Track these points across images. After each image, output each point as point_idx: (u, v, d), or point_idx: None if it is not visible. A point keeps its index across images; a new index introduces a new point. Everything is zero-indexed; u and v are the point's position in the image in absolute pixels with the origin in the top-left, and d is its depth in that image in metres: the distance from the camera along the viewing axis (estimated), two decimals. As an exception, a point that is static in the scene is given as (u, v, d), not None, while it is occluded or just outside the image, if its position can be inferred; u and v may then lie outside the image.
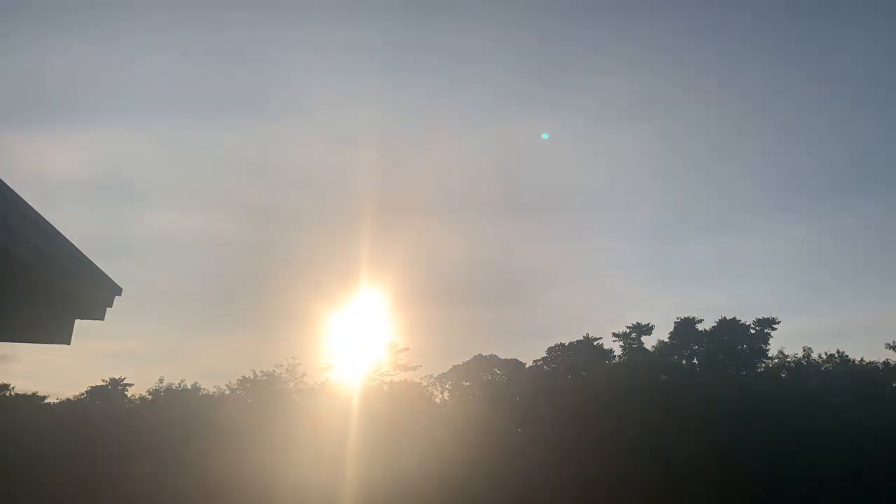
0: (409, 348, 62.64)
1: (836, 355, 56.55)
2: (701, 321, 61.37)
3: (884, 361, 56.07)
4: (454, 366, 63.00)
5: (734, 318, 60.50)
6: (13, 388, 57.42)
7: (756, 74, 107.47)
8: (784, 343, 70.26)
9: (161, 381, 59.04)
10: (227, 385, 60.75)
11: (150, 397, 58.77)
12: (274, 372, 59.62)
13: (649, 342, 63.24)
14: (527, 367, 62.11)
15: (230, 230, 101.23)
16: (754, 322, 60.18)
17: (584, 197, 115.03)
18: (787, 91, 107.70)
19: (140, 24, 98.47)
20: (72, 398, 59.68)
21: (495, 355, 62.97)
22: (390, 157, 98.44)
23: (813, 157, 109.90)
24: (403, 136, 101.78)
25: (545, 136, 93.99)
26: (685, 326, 61.33)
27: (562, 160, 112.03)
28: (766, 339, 60.06)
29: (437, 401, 61.59)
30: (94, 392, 60.39)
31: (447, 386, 63.28)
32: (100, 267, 6.19)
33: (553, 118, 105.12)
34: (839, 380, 51.54)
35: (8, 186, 5.22)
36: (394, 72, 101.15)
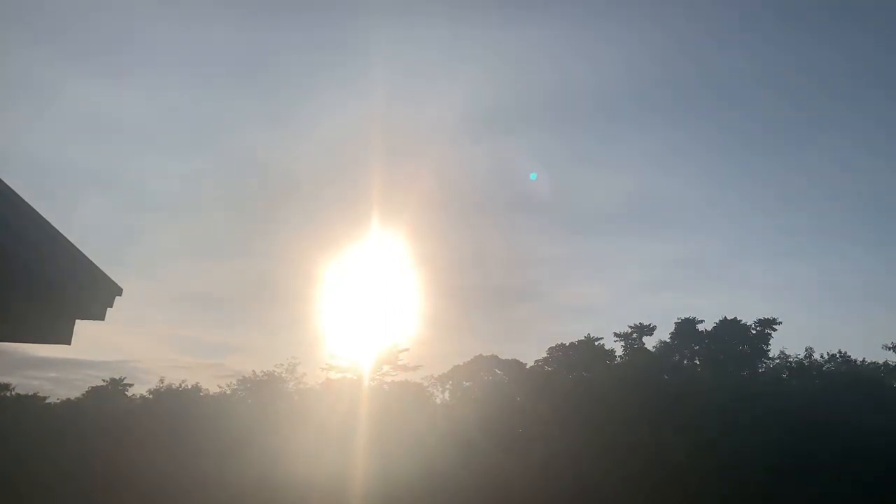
0: (409, 349, 62.66)
1: (838, 356, 56.52)
2: (702, 321, 61.38)
3: (884, 362, 56.14)
4: (455, 366, 63.02)
5: (735, 319, 60.45)
6: (14, 388, 57.51)
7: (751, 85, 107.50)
8: (785, 343, 70.42)
9: (161, 381, 59.10)
10: (227, 385, 60.86)
11: (150, 397, 58.77)
12: (274, 372, 59.71)
13: (650, 342, 63.32)
14: (527, 367, 62.07)
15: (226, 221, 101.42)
16: (755, 322, 60.15)
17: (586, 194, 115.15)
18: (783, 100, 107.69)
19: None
20: (72, 398, 59.80)
21: (496, 356, 62.97)
22: (390, 154, 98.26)
23: (815, 158, 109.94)
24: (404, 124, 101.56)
25: (533, 176, 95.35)
26: (686, 327, 61.28)
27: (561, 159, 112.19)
28: (766, 339, 60.01)
29: (438, 401, 61.59)
30: (94, 392, 60.44)
31: (448, 386, 63.26)
32: (100, 266, 6.17)
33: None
34: (841, 380, 51.49)
35: (8, 186, 5.20)
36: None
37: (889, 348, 54.68)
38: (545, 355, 62.87)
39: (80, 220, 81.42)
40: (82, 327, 6.64)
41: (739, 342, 60.30)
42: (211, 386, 61.85)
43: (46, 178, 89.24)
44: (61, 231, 5.69)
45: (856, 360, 56.82)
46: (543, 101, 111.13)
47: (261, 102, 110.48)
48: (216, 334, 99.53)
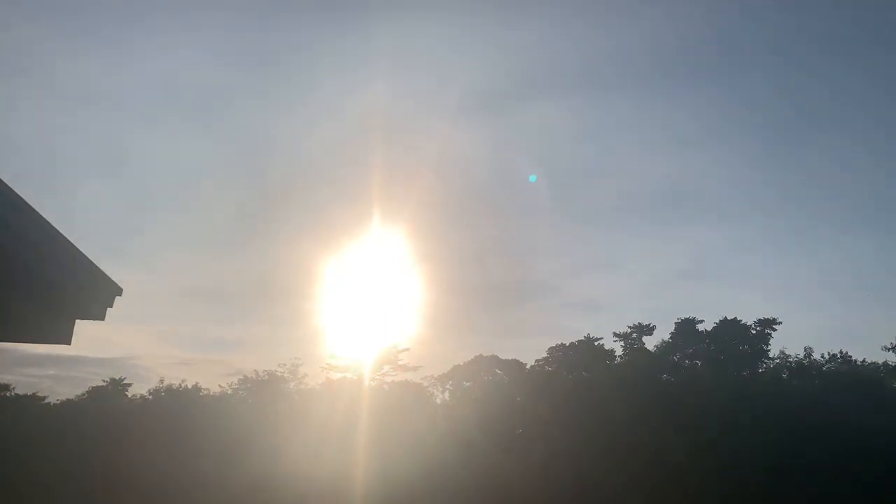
0: (409, 348, 62.62)
1: (838, 356, 56.52)
2: (702, 321, 61.40)
3: (884, 362, 56.12)
4: (455, 366, 63.00)
5: (735, 319, 60.45)
6: (13, 387, 57.51)
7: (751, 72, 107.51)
8: (785, 343, 70.36)
9: (161, 381, 59.14)
10: (228, 385, 60.88)
11: (150, 397, 58.76)
12: (275, 372, 59.74)
13: (650, 342, 63.31)
14: (528, 367, 62.08)
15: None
16: (755, 322, 60.16)
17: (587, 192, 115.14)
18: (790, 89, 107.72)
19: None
20: (72, 398, 59.81)
21: (496, 355, 62.98)
22: (390, 150, 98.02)
23: (815, 157, 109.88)
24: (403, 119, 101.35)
25: (532, 178, 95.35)
26: (686, 327, 61.29)
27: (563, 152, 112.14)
28: (766, 339, 60.02)
29: (438, 401, 61.58)
30: (94, 392, 60.44)
31: (448, 386, 63.24)
32: (100, 266, 6.16)
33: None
34: (841, 380, 51.48)
35: (8, 186, 5.19)
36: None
37: (889, 349, 54.74)
38: (545, 355, 62.96)
39: (79, 212, 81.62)
40: (82, 323, 6.64)
41: (739, 342, 60.30)
42: (211, 382, 62.05)
43: (45, 167, 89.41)
44: (62, 221, 5.69)
45: (856, 361, 56.87)
46: (544, 93, 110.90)
47: (261, 97, 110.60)
48: (217, 330, 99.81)
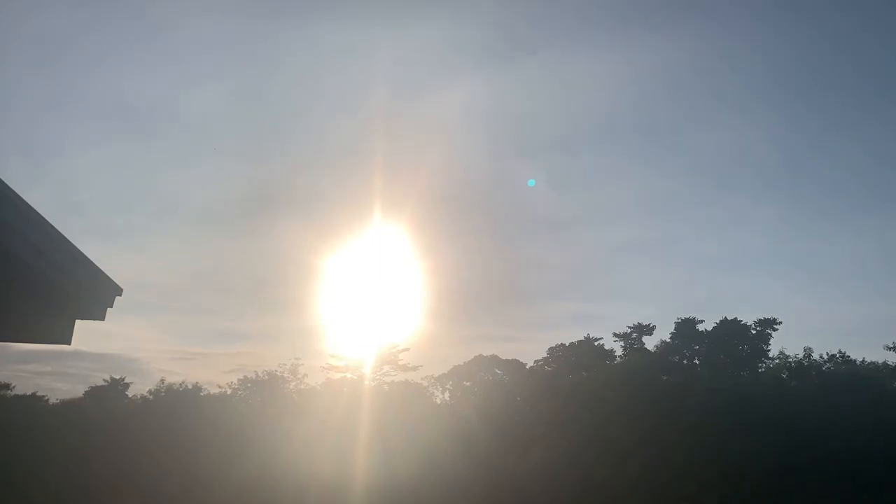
0: (409, 348, 62.60)
1: (838, 355, 56.50)
2: (702, 321, 61.46)
3: (883, 362, 56.06)
4: (455, 366, 63.05)
5: (735, 319, 60.54)
6: (13, 386, 57.58)
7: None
8: (785, 343, 70.40)
9: (162, 381, 59.15)
10: (228, 385, 60.90)
11: (150, 397, 58.75)
12: (275, 372, 59.77)
13: (650, 342, 63.38)
14: (528, 367, 62.16)
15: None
16: (755, 322, 60.20)
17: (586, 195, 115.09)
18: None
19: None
20: (72, 397, 59.91)
21: (496, 355, 63.05)
22: (393, 149, 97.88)
23: (817, 157, 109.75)
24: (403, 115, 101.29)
25: (531, 182, 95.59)
26: (686, 327, 61.34)
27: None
28: (766, 339, 60.07)
29: (438, 401, 61.57)
30: (94, 392, 60.49)
31: (448, 386, 63.25)
32: (100, 266, 6.17)
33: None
34: (840, 380, 51.44)
35: (8, 186, 5.20)
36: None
37: (889, 348, 54.68)
38: (545, 355, 63.03)
39: (77, 199, 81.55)
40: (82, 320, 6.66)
41: (739, 342, 60.35)
42: (211, 378, 62.13)
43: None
44: (60, 213, 5.69)
45: (856, 361, 56.85)
46: (545, 105, 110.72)
47: (263, 91, 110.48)
48: (217, 324, 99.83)
